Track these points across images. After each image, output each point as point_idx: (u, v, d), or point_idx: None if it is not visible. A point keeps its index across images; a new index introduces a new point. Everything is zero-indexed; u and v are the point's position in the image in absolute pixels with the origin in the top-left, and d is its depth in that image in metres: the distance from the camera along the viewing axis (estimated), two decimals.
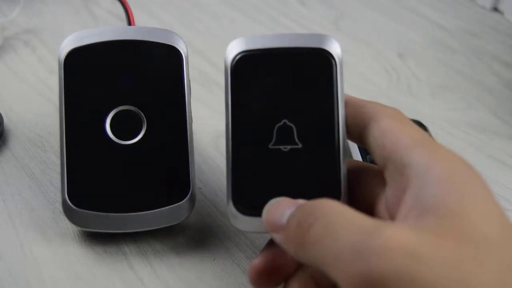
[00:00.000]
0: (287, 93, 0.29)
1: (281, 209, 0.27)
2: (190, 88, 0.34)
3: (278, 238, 0.26)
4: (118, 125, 0.33)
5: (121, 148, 0.33)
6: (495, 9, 0.63)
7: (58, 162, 0.38)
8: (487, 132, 0.45)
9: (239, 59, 0.30)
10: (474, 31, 0.59)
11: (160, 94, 0.34)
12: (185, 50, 0.34)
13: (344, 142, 0.29)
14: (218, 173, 0.39)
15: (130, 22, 0.53)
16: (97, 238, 0.34)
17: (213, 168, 0.40)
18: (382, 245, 0.22)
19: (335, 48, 0.29)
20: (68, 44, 0.34)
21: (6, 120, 0.42)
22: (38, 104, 0.45)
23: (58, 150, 0.34)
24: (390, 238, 0.22)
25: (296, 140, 0.29)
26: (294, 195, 0.27)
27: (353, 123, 0.29)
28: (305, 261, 0.25)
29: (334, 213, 0.24)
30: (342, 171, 0.29)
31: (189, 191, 0.33)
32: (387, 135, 0.27)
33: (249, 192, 0.29)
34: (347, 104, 0.29)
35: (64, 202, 0.33)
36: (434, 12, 0.63)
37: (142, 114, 0.34)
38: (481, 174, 0.25)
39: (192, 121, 0.34)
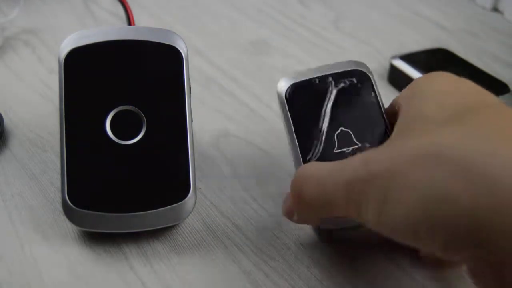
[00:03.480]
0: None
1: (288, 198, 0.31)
2: (190, 88, 0.34)
3: (295, 219, 0.31)
4: (118, 125, 0.33)
5: (121, 148, 0.33)
6: (495, 9, 0.63)
7: (58, 162, 0.38)
8: None
9: None
10: (474, 31, 0.59)
11: (160, 94, 0.34)
12: (185, 50, 0.34)
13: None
14: (218, 173, 0.39)
15: (130, 22, 0.53)
16: (97, 238, 0.34)
17: (213, 168, 0.40)
18: (349, 168, 0.27)
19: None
20: (68, 44, 0.34)
21: (6, 120, 0.42)
22: (38, 104, 0.45)
23: (58, 150, 0.34)
24: (351, 161, 0.27)
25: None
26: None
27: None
28: (319, 219, 0.31)
29: (308, 173, 0.29)
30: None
31: (189, 191, 0.33)
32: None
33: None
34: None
35: (64, 202, 0.33)
36: (434, 12, 0.63)
37: (142, 114, 0.34)
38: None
39: (192, 121, 0.34)
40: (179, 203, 0.33)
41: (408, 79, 0.47)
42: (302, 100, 0.33)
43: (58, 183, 0.36)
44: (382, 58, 0.54)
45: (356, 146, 0.33)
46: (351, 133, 0.33)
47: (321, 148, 0.33)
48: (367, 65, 0.35)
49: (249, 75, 0.50)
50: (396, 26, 0.60)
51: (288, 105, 0.33)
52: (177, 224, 0.35)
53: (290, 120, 0.33)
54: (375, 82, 0.34)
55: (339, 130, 0.33)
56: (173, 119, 0.34)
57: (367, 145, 0.33)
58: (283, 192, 0.38)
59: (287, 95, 0.33)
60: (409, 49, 0.52)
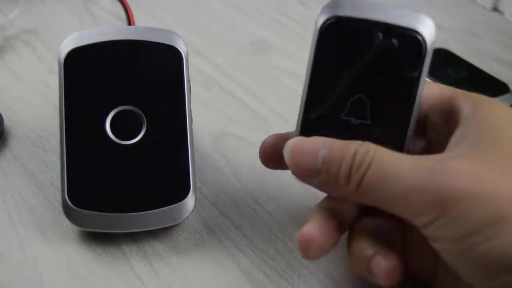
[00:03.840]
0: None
1: (311, 151, 0.27)
2: (190, 88, 0.34)
3: (315, 182, 0.28)
4: (118, 125, 0.33)
5: (121, 148, 0.33)
6: (495, 9, 0.63)
7: (58, 162, 0.38)
8: None
9: None
10: (474, 31, 0.59)
11: (160, 94, 0.34)
12: (185, 50, 0.34)
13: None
14: (218, 173, 0.39)
15: (130, 22, 0.53)
16: (97, 238, 0.34)
17: (213, 168, 0.40)
18: (449, 180, 0.24)
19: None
20: (68, 44, 0.34)
21: (6, 120, 0.42)
22: (38, 104, 0.45)
23: (58, 150, 0.34)
24: (454, 171, 0.24)
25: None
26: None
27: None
28: (360, 202, 0.27)
29: (384, 156, 0.26)
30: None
31: (189, 191, 0.33)
32: (428, 91, 0.29)
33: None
34: None
35: (64, 202, 0.33)
36: (434, 12, 0.63)
37: (142, 114, 0.34)
38: None
39: (192, 121, 0.34)
40: (179, 203, 0.33)
41: None
42: (337, 41, 0.28)
43: (58, 183, 0.36)
44: None
45: (366, 122, 0.28)
46: (368, 105, 0.28)
47: (329, 106, 0.28)
48: (433, 25, 0.28)
49: (249, 75, 0.50)
50: None
51: (319, 41, 0.28)
52: (177, 224, 0.35)
53: (313, 59, 0.28)
54: (428, 54, 0.28)
55: (356, 96, 0.28)
56: (173, 119, 0.34)
57: (378, 127, 0.28)
58: (283, 192, 0.38)
59: (323, 28, 0.28)
60: None
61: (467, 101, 0.28)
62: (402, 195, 0.25)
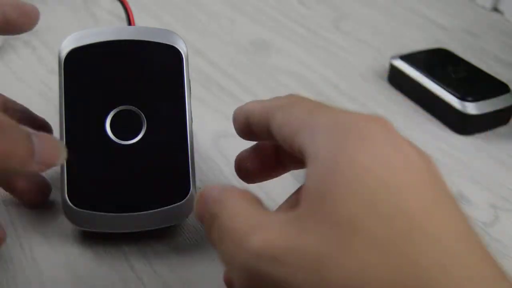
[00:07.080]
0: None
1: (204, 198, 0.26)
2: (190, 88, 0.34)
3: None
4: (118, 125, 0.33)
5: (121, 148, 0.33)
6: (495, 9, 0.63)
7: None
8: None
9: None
10: (474, 31, 0.59)
11: (160, 94, 0.34)
12: (185, 50, 0.34)
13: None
14: (218, 173, 0.39)
15: (130, 22, 0.53)
16: (97, 238, 0.34)
17: (213, 168, 0.40)
18: (248, 254, 0.22)
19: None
20: (68, 44, 0.34)
21: None
22: (38, 104, 0.45)
23: None
24: (255, 245, 0.22)
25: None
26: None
27: (259, 128, 0.28)
28: None
29: (229, 209, 0.24)
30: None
31: (189, 191, 0.33)
32: (281, 128, 0.26)
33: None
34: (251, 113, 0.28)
35: (64, 202, 0.33)
36: (434, 12, 0.63)
37: (142, 114, 0.34)
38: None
39: (192, 121, 0.34)
40: (179, 203, 0.33)
41: (408, 79, 0.48)
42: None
43: (58, 183, 0.36)
44: (382, 58, 0.54)
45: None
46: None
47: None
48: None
49: (249, 75, 0.50)
50: (396, 26, 0.60)
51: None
52: (177, 224, 0.35)
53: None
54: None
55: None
56: (173, 119, 0.34)
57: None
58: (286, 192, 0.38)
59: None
60: (409, 49, 0.52)
61: (302, 138, 0.24)
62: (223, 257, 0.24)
